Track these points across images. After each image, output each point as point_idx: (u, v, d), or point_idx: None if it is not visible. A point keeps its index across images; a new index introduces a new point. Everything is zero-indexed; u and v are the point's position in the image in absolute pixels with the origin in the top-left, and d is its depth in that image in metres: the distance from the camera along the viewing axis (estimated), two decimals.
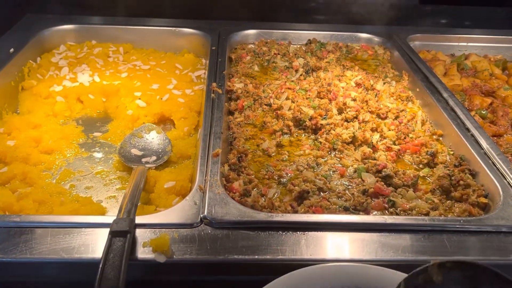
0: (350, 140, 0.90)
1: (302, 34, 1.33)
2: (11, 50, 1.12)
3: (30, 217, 0.65)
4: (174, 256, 0.60)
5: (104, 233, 0.61)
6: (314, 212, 0.70)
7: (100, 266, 0.54)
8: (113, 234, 0.59)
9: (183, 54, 1.30)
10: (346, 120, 0.95)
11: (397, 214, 0.72)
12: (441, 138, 0.95)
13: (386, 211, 0.73)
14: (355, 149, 0.89)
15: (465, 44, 1.36)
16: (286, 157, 0.86)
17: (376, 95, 1.05)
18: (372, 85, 1.07)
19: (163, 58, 1.26)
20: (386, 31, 1.35)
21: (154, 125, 0.98)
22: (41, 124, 0.98)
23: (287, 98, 1.01)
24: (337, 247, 0.64)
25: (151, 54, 1.29)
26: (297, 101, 0.99)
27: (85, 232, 0.63)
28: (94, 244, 0.61)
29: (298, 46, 1.30)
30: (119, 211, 0.65)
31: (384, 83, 1.10)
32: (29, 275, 0.60)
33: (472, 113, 1.05)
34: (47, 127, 0.97)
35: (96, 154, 0.93)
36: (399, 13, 1.42)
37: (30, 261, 0.58)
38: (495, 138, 1.00)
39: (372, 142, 0.90)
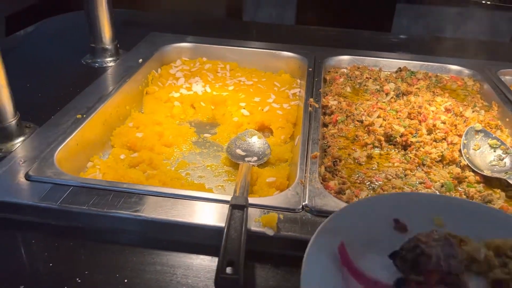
0: (439, 158, 0.96)
1: (393, 62, 1.41)
2: (140, 60, 1.33)
3: (165, 189, 0.79)
4: (281, 232, 0.71)
5: (222, 207, 0.74)
6: None
7: (225, 228, 0.65)
8: (233, 207, 0.71)
9: (280, 74, 1.44)
10: (435, 140, 1.02)
11: None
12: None
13: None
14: (443, 167, 0.96)
15: None
16: (376, 166, 0.95)
17: (464, 121, 1.10)
18: (461, 112, 1.13)
19: (263, 77, 1.41)
20: (476, 64, 1.40)
21: (256, 131, 1.12)
22: (162, 122, 1.15)
23: (378, 116, 1.10)
24: None
25: (252, 72, 1.44)
26: (388, 119, 1.08)
27: (207, 205, 0.76)
28: (215, 214, 0.73)
29: (389, 73, 1.38)
30: (234, 192, 0.77)
31: (473, 111, 1.15)
32: (164, 234, 0.73)
33: None
34: (167, 126, 1.14)
35: (206, 151, 1.08)
36: (490, 49, 1.46)
37: (165, 222, 0.72)
38: None
39: (461, 163, 0.96)
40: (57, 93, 1.13)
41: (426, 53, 1.47)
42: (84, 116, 1.01)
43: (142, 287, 0.64)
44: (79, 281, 0.64)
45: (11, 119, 0.92)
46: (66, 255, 0.69)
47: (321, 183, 0.85)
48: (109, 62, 1.36)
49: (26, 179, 0.79)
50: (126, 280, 0.65)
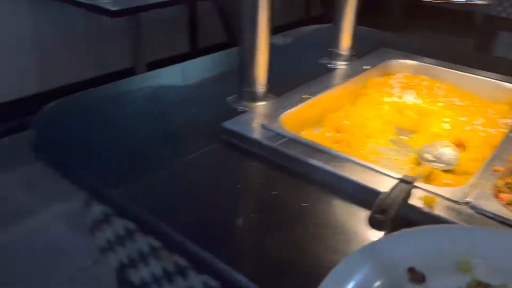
0: None
1: None
2: (364, 67, 1.56)
3: (354, 158, 1.00)
4: (434, 212, 0.83)
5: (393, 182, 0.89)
6: None
7: (389, 191, 0.82)
8: (400, 180, 0.86)
9: (498, 104, 1.44)
10: None
11: None
12: None
13: None
14: None
15: None
16: None
17: None
18: None
19: (477, 102, 1.45)
20: None
21: (451, 143, 1.20)
22: (368, 118, 1.35)
23: None
24: None
25: (468, 96, 1.49)
26: None
27: (383, 178, 0.93)
28: (386, 184, 0.90)
29: None
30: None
31: None
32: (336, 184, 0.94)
33: None
34: (372, 122, 1.33)
35: (399, 149, 1.23)
36: None
37: (341, 176, 0.93)
38: None
39: None
40: (294, 80, 1.45)
41: None
42: (309, 97, 1.30)
43: (306, 214, 0.86)
44: (275, 193, 0.91)
45: (261, 88, 1.27)
46: (267, 177, 0.99)
47: (494, 193, 0.91)
48: (341, 65, 1.63)
49: (261, 127, 1.11)
50: (303, 204, 0.88)
